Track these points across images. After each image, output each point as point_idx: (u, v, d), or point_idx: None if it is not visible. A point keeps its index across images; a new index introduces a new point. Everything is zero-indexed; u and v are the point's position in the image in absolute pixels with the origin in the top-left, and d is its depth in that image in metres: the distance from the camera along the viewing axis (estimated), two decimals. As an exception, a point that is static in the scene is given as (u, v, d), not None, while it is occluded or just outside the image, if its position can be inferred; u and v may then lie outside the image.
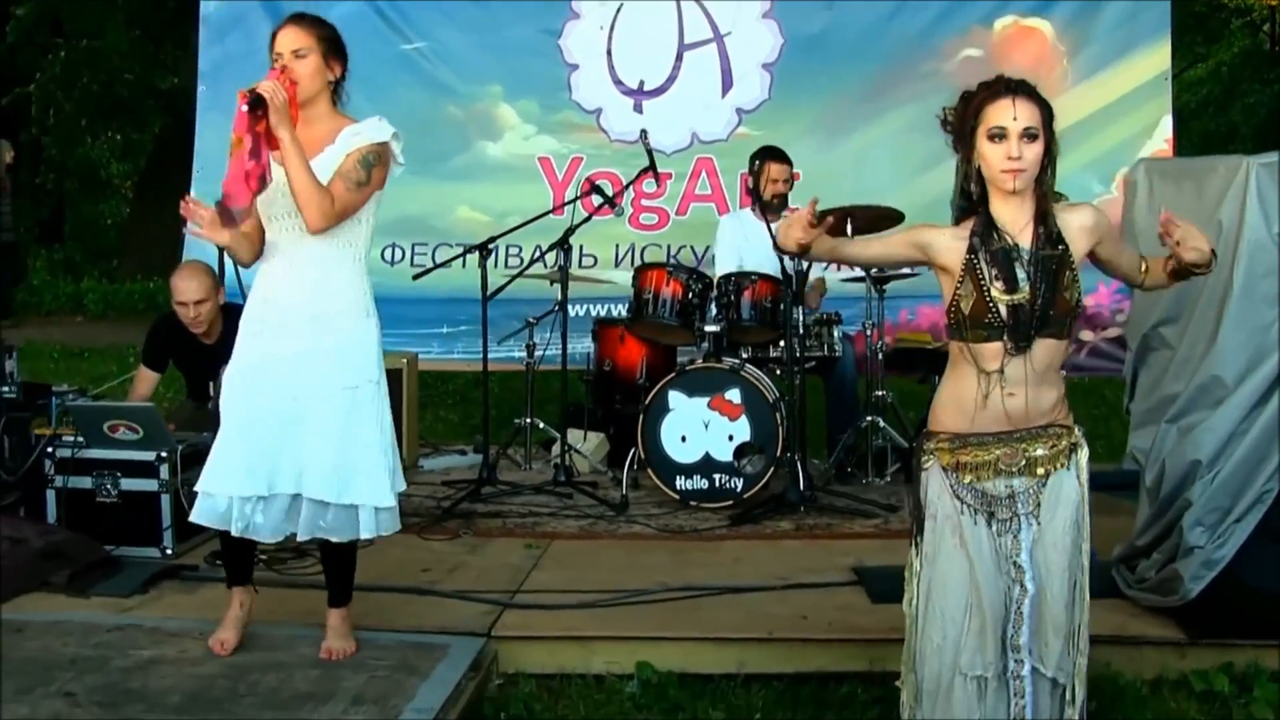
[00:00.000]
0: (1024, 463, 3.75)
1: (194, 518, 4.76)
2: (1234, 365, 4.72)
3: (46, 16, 18.42)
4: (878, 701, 4.77)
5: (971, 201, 3.75)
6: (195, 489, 4.73)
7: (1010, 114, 3.62)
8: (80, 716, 4.31)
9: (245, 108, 4.41)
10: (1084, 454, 3.82)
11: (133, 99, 20.50)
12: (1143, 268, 3.88)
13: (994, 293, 3.67)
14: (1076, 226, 3.74)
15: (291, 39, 4.62)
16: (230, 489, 4.64)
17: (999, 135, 3.63)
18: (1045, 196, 3.72)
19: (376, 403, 4.80)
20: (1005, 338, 3.67)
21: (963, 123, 3.72)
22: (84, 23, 17.89)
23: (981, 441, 3.76)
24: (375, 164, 4.67)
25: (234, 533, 4.65)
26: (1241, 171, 4.72)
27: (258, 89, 4.40)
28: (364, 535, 4.76)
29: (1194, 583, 4.82)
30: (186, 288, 6.51)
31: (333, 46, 4.74)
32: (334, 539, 4.74)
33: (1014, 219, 3.72)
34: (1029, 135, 3.62)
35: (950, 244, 3.75)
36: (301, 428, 4.65)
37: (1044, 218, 3.71)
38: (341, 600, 4.96)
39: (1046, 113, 3.69)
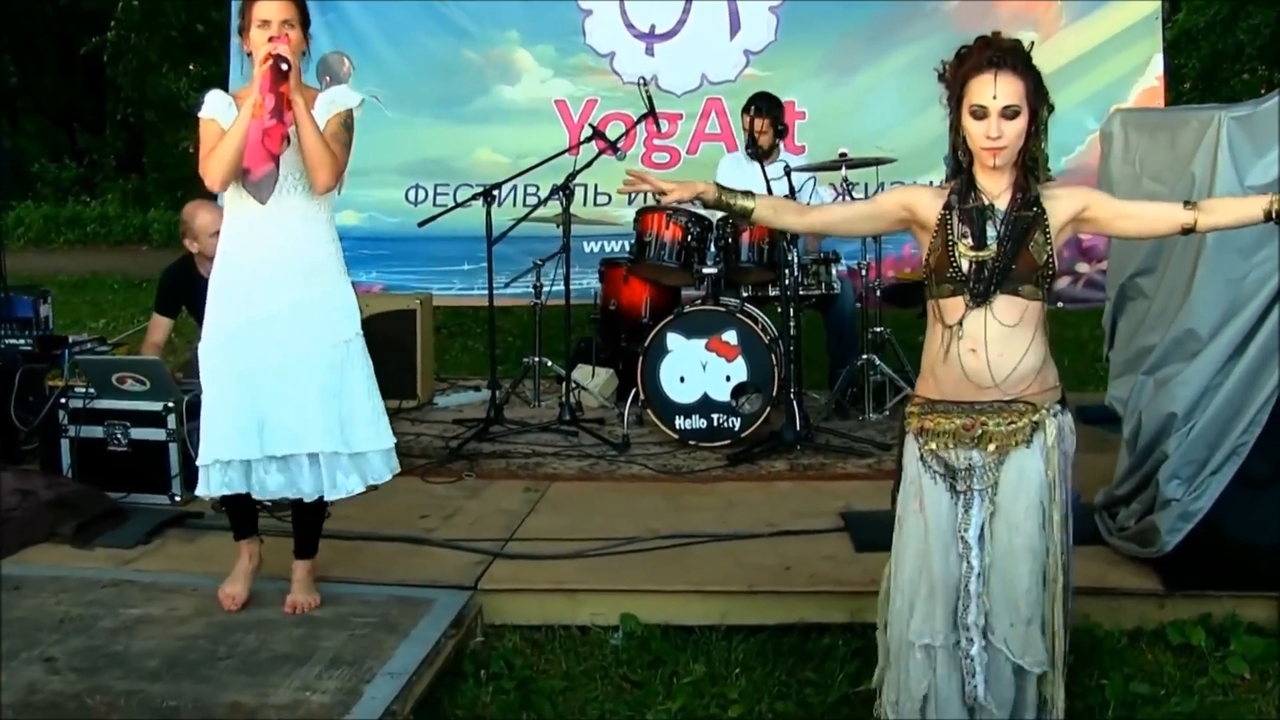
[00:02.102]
0: (980, 433, 3.43)
1: (202, 491, 4.54)
2: (1208, 318, 4.36)
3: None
4: (857, 654, 4.45)
5: (959, 164, 3.47)
6: (198, 463, 4.49)
7: (990, 91, 3.31)
8: (55, 685, 4.00)
9: (283, 67, 4.21)
10: (1051, 433, 3.44)
11: (207, 40, 20.26)
12: (1188, 210, 3.45)
13: (960, 248, 3.40)
14: (1062, 197, 3.46)
15: (281, 9, 4.36)
16: (237, 453, 4.42)
17: (980, 113, 3.33)
18: (1028, 165, 3.41)
19: (364, 354, 4.60)
20: (966, 292, 3.38)
21: (951, 86, 3.42)
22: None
23: (946, 410, 3.46)
24: (352, 126, 4.54)
25: (256, 494, 4.51)
26: (1213, 125, 4.35)
27: (282, 53, 4.21)
28: (376, 480, 4.60)
29: (1171, 535, 4.48)
30: (212, 218, 6.04)
31: (308, 20, 4.52)
32: (350, 493, 4.54)
33: (995, 183, 3.45)
34: (1010, 113, 3.32)
35: (930, 202, 3.50)
36: (299, 383, 4.42)
37: (1023, 184, 3.42)
38: (309, 552, 4.73)
39: (1032, 83, 3.35)
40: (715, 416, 6.63)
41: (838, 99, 9.07)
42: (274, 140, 4.25)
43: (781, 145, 7.63)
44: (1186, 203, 3.49)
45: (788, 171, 6.78)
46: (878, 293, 7.32)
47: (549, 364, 7.68)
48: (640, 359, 6.70)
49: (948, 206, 3.44)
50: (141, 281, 14.44)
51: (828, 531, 5.31)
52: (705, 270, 6.89)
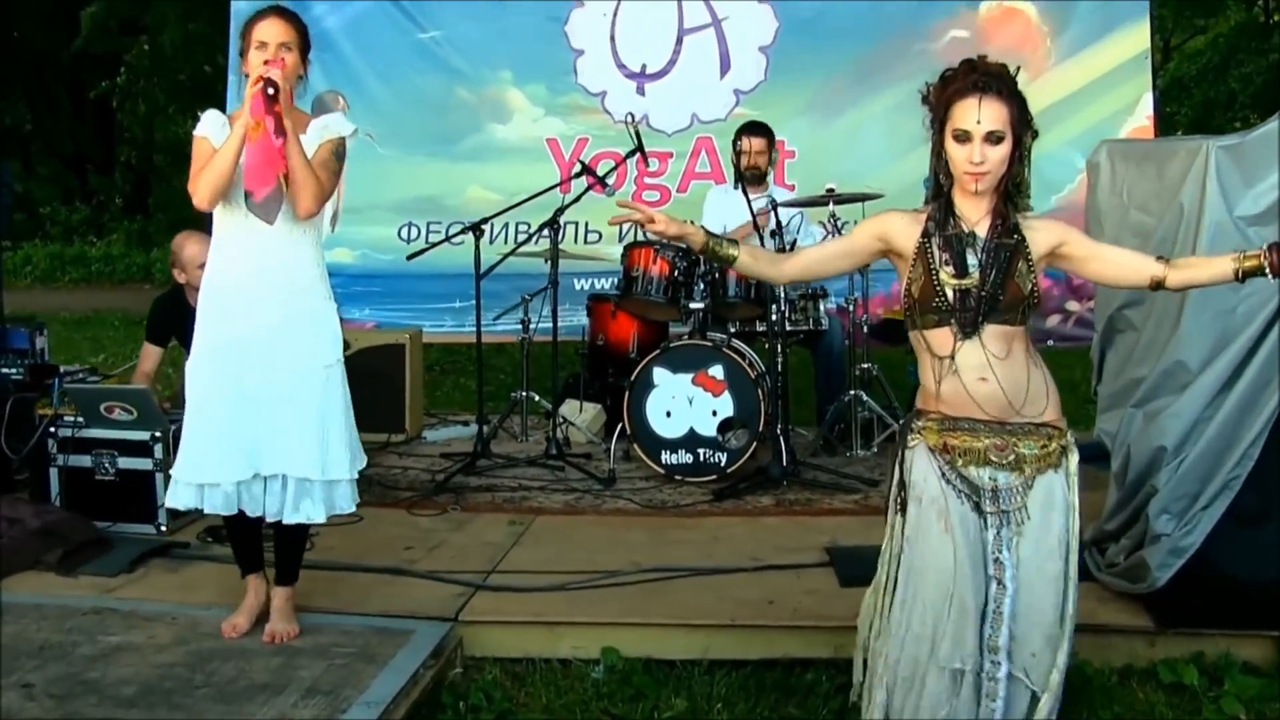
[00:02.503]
0: (1012, 458, 3.33)
1: (172, 501, 4.47)
2: (1198, 350, 4.27)
3: (116, 12, 18.09)
4: (841, 690, 4.29)
5: (939, 188, 3.37)
6: (172, 474, 4.44)
7: (974, 117, 3.22)
8: (31, 711, 3.89)
9: (270, 91, 4.16)
10: (1074, 459, 3.38)
11: (212, 84, 20.27)
12: (1160, 263, 3.36)
13: (942, 276, 3.31)
14: (1040, 229, 3.37)
15: (279, 31, 4.35)
16: (214, 473, 4.35)
17: (963, 137, 3.24)
18: (1009, 192, 3.32)
19: (343, 382, 4.53)
20: (953, 322, 3.29)
21: (935, 109, 3.34)
22: (152, 14, 17.56)
23: (973, 427, 3.34)
24: (343, 155, 4.51)
25: (225, 512, 4.44)
26: (1201, 154, 4.27)
27: (272, 76, 4.17)
28: (341, 510, 4.52)
29: (1161, 571, 4.37)
30: (200, 250, 5.95)
31: (307, 45, 4.48)
32: (314, 520, 4.45)
33: (974, 208, 3.34)
34: (994, 138, 3.23)
35: (906, 229, 3.39)
36: (278, 407, 4.35)
37: (1003, 211, 3.33)
38: (290, 579, 4.61)
39: (1017, 109, 3.26)
40: (701, 451, 6.52)
41: (826, 138, 9.01)
42: (278, 160, 4.22)
43: (771, 178, 7.58)
44: (1159, 257, 3.41)
45: (774, 206, 6.71)
46: (865, 329, 7.22)
47: (536, 399, 7.58)
48: (627, 393, 6.60)
49: (926, 234, 3.35)
50: (142, 319, 14.26)
51: (812, 566, 5.19)
52: (692, 305, 6.79)
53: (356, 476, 4.54)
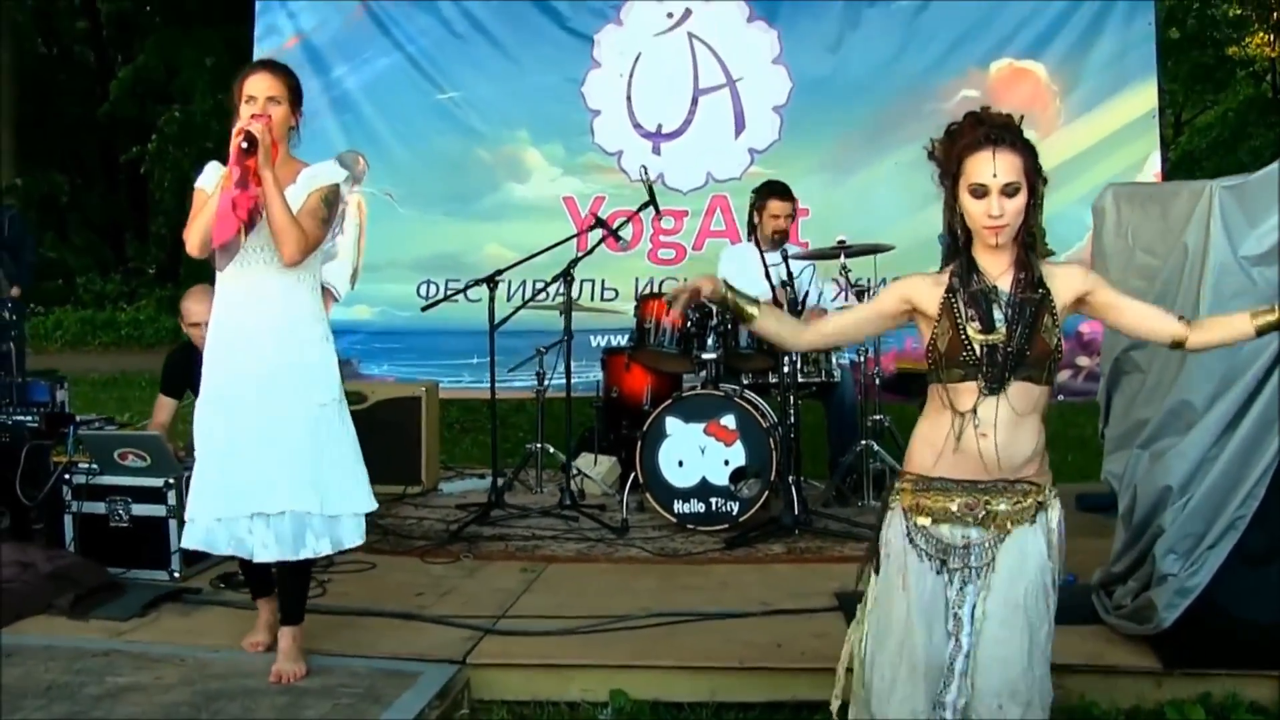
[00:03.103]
0: (984, 514, 3.25)
1: (186, 543, 4.51)
2: (1203, 389, 4.19)
3: (144, 77, 18.28)
4: (849, 731, 4.23)
5: (955, 242, 3.29)
6: (186, 515, 4.48)
7: (990, 170, 3.14)
8: (33, 749, 3.83)
9: (244, 145, 4.21)
10: (1055, 514, 3.30)
11: (221, 148, 20.44)
12: (1181, 323, 3.31)
13: (970, 331, 3.21)
14: (1062, 277, 3.29)
15: (267, 85, 4.42)
16: (217, 512, 4.40)
17: (980, 191, 3.15)
18: (1028, 242, 3.25)
19: (344, 419, 4.56)
20: (979, 377, 3.20)
21: (945, 164, 3.27)
22: (178, 82, 17.77)
23: (945, 487, 3.27)
24: (334, 202, 4.54)
25: (223, 552, 4.48)
26: (1205, 195, 4.20)
27: (251, 130, 4.22)
28: (349, 544, 4.54)
29: (1168, 611, 4.26)
30: (198, 309, 6.08)
31: (298, 97, 4.53)
32: (320, 553, 4.47)
33: (995, 262, 3.26)
34: (1011, 190, 3.15)
35: (930, 290, 3.28)
36: (275, 446, 4.38)
37: (1025, 263, 3.24)
38: (295, 618, 4.59)
39: (1030, 159, 3.20)
40: (714, 500, 6.45)
41: (839, 196, 9.01)
42: (241, 209, 4.25)
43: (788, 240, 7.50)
44: (1181, 317, 3.34)
45: (785, 257, 6.67)
46: (878, 382, 7.16)
47: (551, 451, 7.51)
48: (639, 443, 6.54)
49: (950, 290, 3.26)
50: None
51: (822, 611, 5.10)
52: (705, 356, 6.73)
53: (365, 512, 4.55)
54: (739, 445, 6.43)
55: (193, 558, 5.65)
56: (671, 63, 9.23)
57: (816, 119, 9.11)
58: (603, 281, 9.05)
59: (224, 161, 4.48)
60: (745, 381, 6.98)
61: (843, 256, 6.91)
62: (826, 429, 7.39)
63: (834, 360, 7.04)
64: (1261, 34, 28.28)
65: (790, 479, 6.43)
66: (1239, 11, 27.27)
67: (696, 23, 9.21)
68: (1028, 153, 3.19)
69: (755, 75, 9.17)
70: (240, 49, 14.86)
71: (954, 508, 3.26)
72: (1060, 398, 8.33)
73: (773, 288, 6.50)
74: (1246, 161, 24.34)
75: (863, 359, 7.15)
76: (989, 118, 3.22)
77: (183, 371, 6.34)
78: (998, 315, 3.20)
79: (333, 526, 4.45)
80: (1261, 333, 3.27)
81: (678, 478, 6.49)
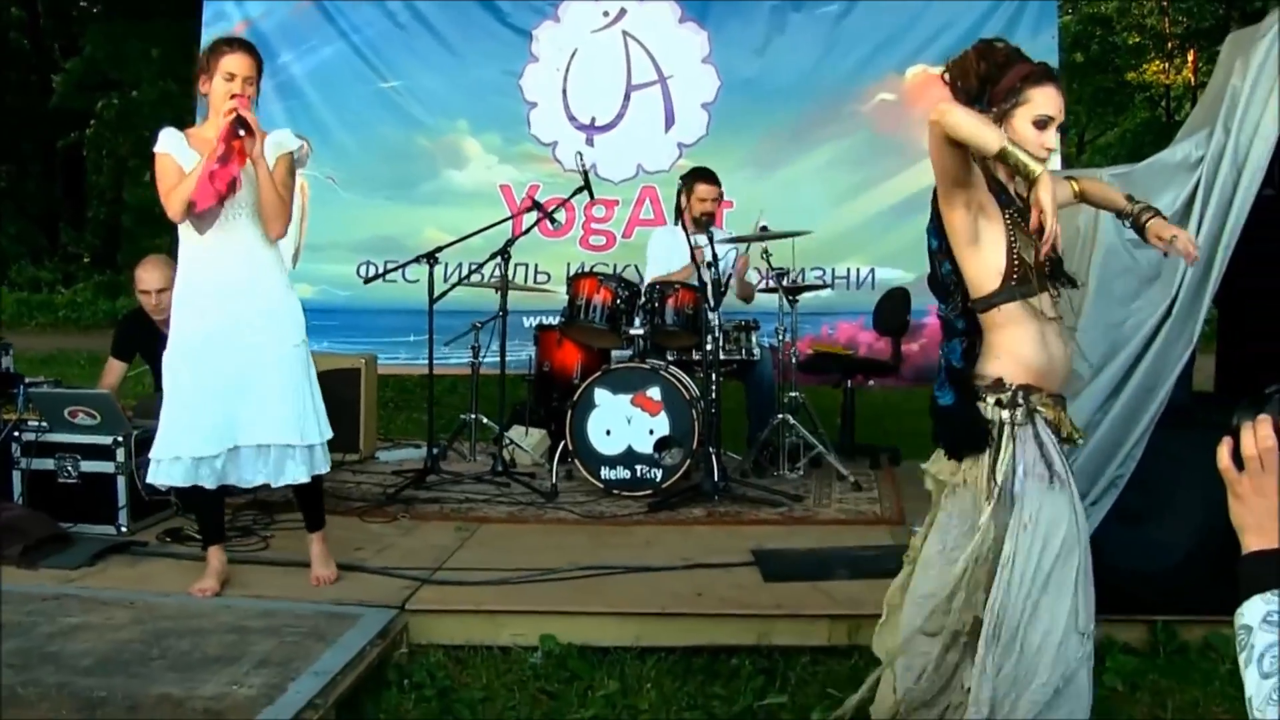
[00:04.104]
0: (1067, 433, 3.36)
1: (155, 479, 4.76)
2: (1091, 359, 4.36)
3: (94, 69, 18.14)
4: (764, 672, 4.43)
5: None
6: (150, 456, 4.71)
7: (1056, 105, 3.21)
8: (-10, 678, 3.91)
9: (239, 129, 4.49)
10: None
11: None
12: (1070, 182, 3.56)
13: (1038, 244, 3.15)
14: None
15: (246, 65, 4.65)
16: (192, 450, 4.64)
17: (1044, 123, 3.19)
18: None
19: (308, 360, 4.89)
20: (1049, 285, 3.29)
21: (993, 87, 3.23)
22: (126, 73, 17.63)
23: (1059, 401, 3.34)
24: (294, 169, 4.90)
25: (208, 485, 4.70)
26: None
27: (244, 114, 4.50)
28: (318, 470, 4.88)
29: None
30: (150, 277, 6.21)
31: (261, 74, 4.77)
32: (300, 480, 4.82)
33: (1009, 187, 3.29)
34: (1058, 126, 3.24)
35: (987, 196, 3.23)
36: (257, 384, 4.70)
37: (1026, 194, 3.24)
38: (319, 525, 5.06)
39: None
40: (638, 467, 6.60)
41: (764, 190, 9.05)
42: (220, 181, 4.48)
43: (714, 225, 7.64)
44: (1069, 177, 3.54)
45: (711, 240, 6.82)
46: (794, 362, 7.33)
47: (485, 421, 7.63)
48: (569, 413, 6.67)
49: (1005, 206, 3.23)
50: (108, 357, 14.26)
51: (738, 565, 5.27)
52: (633, 331, 6.88)
53: (326, 440, 4.89)
54: (664, 416, 6.58)
55: (140, 513, 5.76)
56: (606, 59, 9.34)
57: (742, 117, 9.24)
58: (536, 265, 9.17)
59: (179, 126, 4.66)
60: (670, 358, 7.12)
61: (764, 242, 7.06)
62: (746, 405, 7.55)
63: (754, 340, 7.22)
64: (1158, 62, 29.12)
65: (711, 449, 6.56)
66: (1138, 40, 28.05)
67: (631, 22, 9.33)
68: None
69: (685, 73, 9.29)
70: (185, 40, 14.82)
71: (1060, 420, 3.30)
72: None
73: (697, 267, 6.64)
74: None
75: (780, 342, 7.31)
76: (1023, 55, 3.25)
77: (134, 336, 6.43)
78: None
79: (308, 455, 4.77)
80: (1124, 218, 3.51)
81: (605, 446, 6.63)
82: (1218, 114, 4.49)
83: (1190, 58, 28.83)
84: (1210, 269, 4.32)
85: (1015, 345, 3.24)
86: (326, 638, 4.32)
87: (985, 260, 3.23)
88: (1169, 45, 28.82)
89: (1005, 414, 3.21)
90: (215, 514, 4.98)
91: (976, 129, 3.01)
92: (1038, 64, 3.28)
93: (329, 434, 4.92)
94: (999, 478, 3.20)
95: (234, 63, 4.59)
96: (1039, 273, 3.23)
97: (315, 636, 4.34)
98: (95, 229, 27.18)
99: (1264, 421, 1.80)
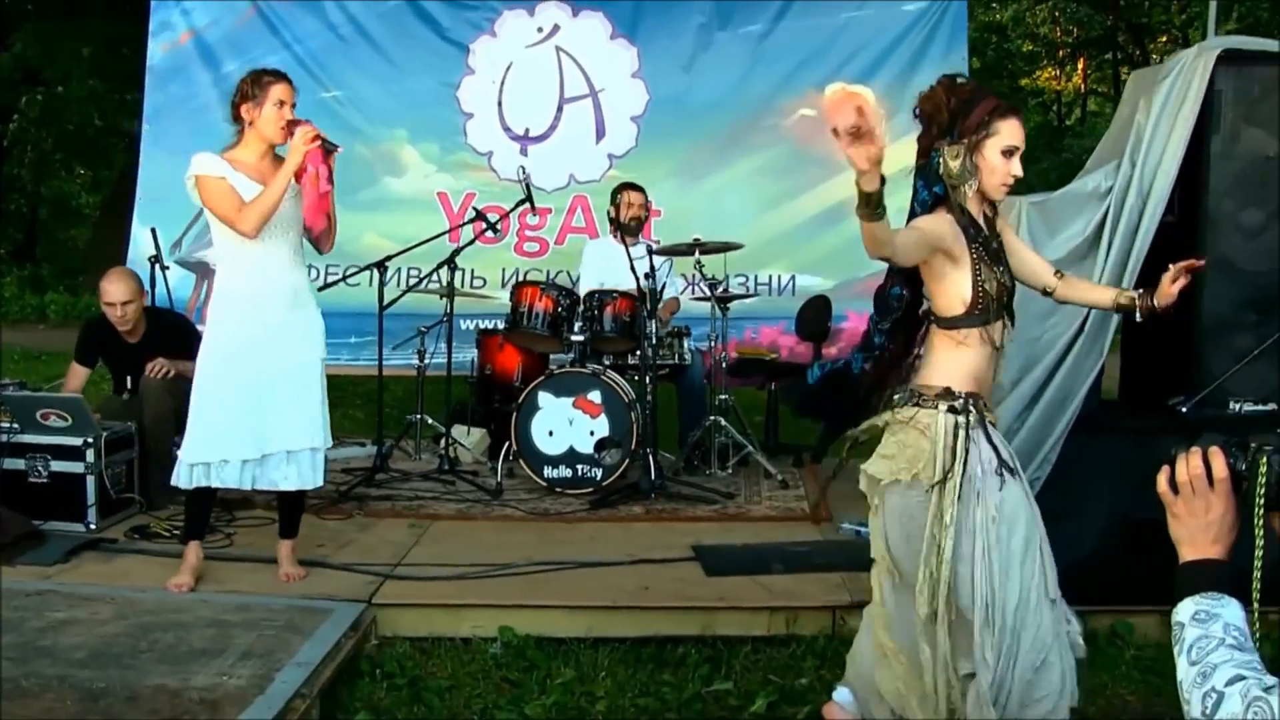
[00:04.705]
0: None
1: (179, 481, 4.95)
2: (1009, 372, 4.67)
3: (21, 65, 17.96)
4: (709, 660, 4.70)
5: (944, 195, 3.56)
6: (184, 458, 4.92)
7: (1020, 135, 3.52)
8: (-5, 670, 4.08)
9: (325, 148, 4.83)
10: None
11: (100, 139, 20.24)
12: (1056, 276, 3.84)
13: (999, 278, 3.55)
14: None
15: (291, 93, 5.00)
16: (241, 453, 4.92)
17: (1011, 152, 3.50)
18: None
19: (324, 370, 5.21)
20: (1005, 316, 3.58)
21: (968, 121, 3.50)
22: (55, 70, 17.47)
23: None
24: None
25: (247, 487, 5.03)
26: (1015, 208, 4.74)
27: (325, 136, 4.85)
28: (319, 482, 5.19)
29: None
30: (115, 290, 6.30)
31: None
32: (316, 485, 5.17)
33: (977, 214, 3.58)
34: (1020, 155, 3.53)
35: (953, 231, 3.50)
36: (288, 391, 4.98)
37: (990, 215, 3.63)
38: (293, 533, 5.29)
39: None
40: (580, 467, 6.83)
41: (691, 199, 9.35)
42: (327, 200, 4.89)
43: (642, 231, 7.92)
44: (1057, 271, 3.82)
45: (650, 252, 7.08)
46: (724, 366, 7.58)
47: (430, 421, 7.82)
48: (514, 415, 6.87)
49: (970, 238, 3.49)
50: (41, 354, 14.24)
51: (681, 560, 5.53)
52: (573, 338, 7.10)
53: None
54: (603, 418, 6.81)
55: (107, 511, 5.90)
56: (540, 72, 9.51)
57: (670, 129, 9.45)
58: (472, 271, 9.27)
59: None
60: (606, 362, 7.33)
61: (697, 253, 7.30)
62: (678, 407, 7.80)
63: (686, 345, 7.48)
64: (1050, 69, 29.90)
65: (647, 449, 6.82)
66: (1031, 48, 28.77)
67: (564, 37, 9.51)
68: None
69: (616, 87, 9.50)
70: (120, 42, 14.76)
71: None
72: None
73: (636, 279, 6.89)
74: (1034, 182, 25.61)
75: (710, 346, 7.56)
76: (988, 89, 3.62)
77: (96, 342, 6.53)
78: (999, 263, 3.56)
79: (323, 461, 5.12)
80: (1118, 308, 3.81)
81: (548, 446, 6.84)
82: (1124, 148, 4.85)
83: (1080, 65, 29.70)
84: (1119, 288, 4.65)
85: (965, 361, 3.55)
86: (303, 631, 4.52)
87: (952, 290, 3.53)
88: (1060, 53, 29.63)
89: (960, 419, 3.49)
90: (206, 512, 5.20)
91: (869, 238, 3.31)
92: (1003, 100, 3.60)
93: (330, 442, 5.17)
94: (957, 476, 3.46)
95: (284, 91, 4.93)
96: (999, 304, 3.55)
97: (292, 630, 4.54)
98: (16, 222, 26.80)
99: (1194, 453, 2.10)
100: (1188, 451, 2.11)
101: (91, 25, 15.60)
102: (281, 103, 4.91)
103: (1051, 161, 26.31)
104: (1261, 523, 2.05)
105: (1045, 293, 3.83)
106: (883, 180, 3.24)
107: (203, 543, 5.22)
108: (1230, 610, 2.01)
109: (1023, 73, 29.39)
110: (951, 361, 3.57)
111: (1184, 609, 2.04)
